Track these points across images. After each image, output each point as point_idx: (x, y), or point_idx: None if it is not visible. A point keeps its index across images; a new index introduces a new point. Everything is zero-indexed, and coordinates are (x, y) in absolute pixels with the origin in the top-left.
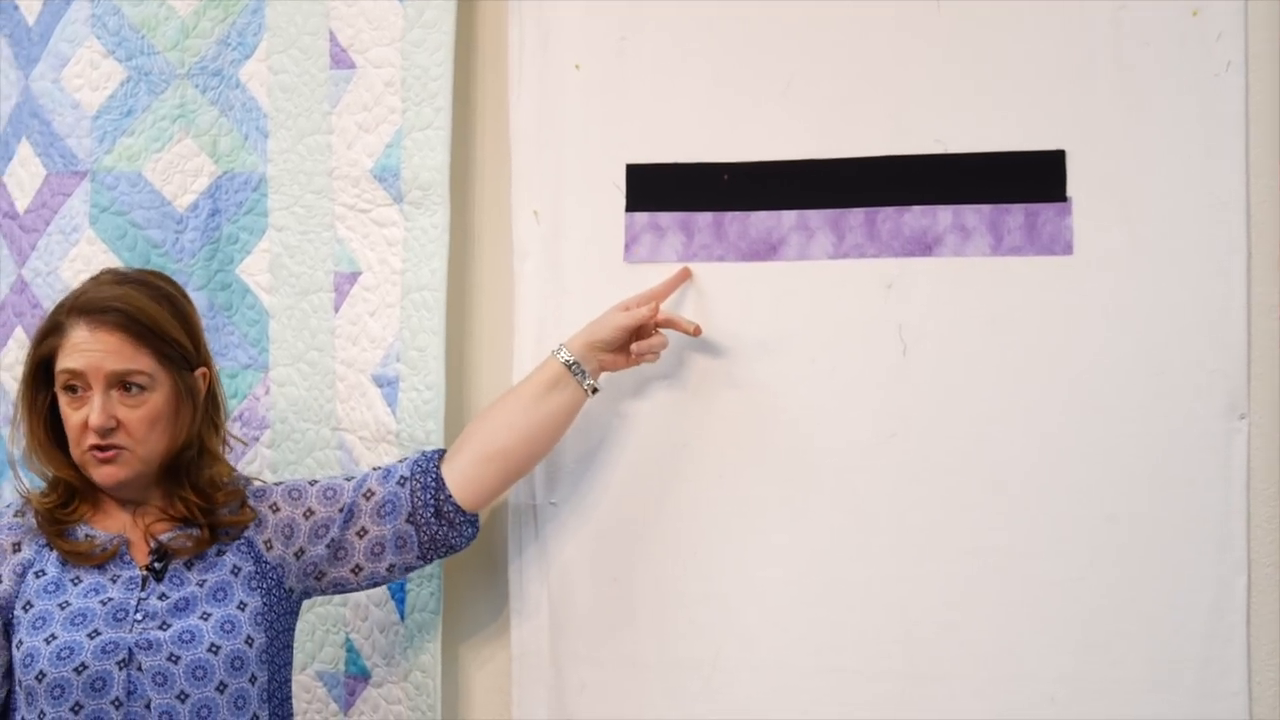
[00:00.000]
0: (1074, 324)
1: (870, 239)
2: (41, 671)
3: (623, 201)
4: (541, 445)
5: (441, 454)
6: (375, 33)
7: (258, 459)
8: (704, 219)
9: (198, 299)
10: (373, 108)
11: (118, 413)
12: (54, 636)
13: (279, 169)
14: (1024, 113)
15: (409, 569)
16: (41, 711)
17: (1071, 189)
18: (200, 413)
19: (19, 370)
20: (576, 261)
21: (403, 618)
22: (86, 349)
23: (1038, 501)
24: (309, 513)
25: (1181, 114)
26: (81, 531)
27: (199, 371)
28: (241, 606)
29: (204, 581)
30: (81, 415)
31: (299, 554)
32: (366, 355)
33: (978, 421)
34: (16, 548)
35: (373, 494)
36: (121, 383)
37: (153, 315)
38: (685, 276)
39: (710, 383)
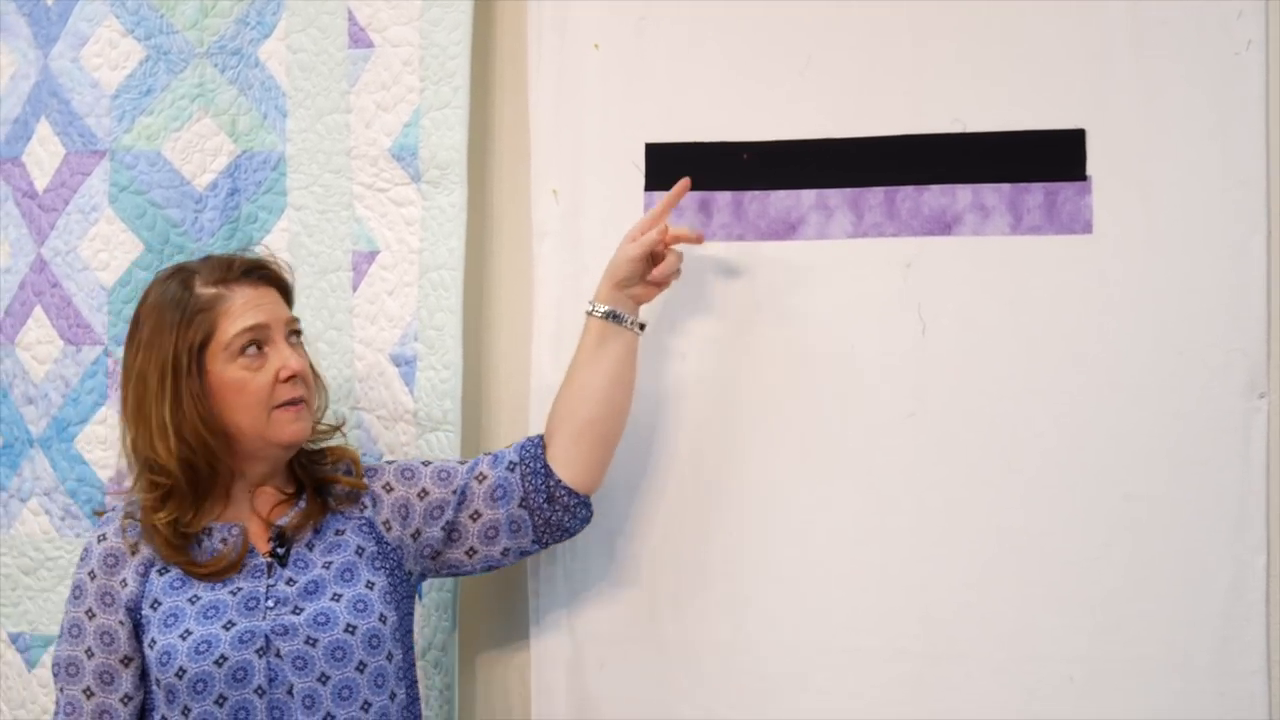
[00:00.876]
0: (1093, 303)
1: (889, 218)
2: (181, 668)
3: (642, 181)
4: (621, 400)
5: (542, 440)
6: (394, 11)
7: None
8: (723, 198)
9: None
10: (391, 87)
11: (300, 361)
12: (189, 631)
13: (297, 148)
14: (1043, 91)
15: (524, 553)
16: (186, 708)
17: (1091, 168)
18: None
19: (39, 349)
20: (595, 241)
21: (420, 596)
22: (260, 303)
23: (1056, 481)
24: (423, 493)
25: (1201, 92)
26: (202, 534)
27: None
28: (370, 585)
29: (329, 564)
30: (269, 372)
31: (415, 535)
32: (384, 334)
33: (996, 401)
34: (135, 549)
35: (485, 477)
36: (293, 329)
37: (285, 270)
38: (685, 188)
39: (728, 363)
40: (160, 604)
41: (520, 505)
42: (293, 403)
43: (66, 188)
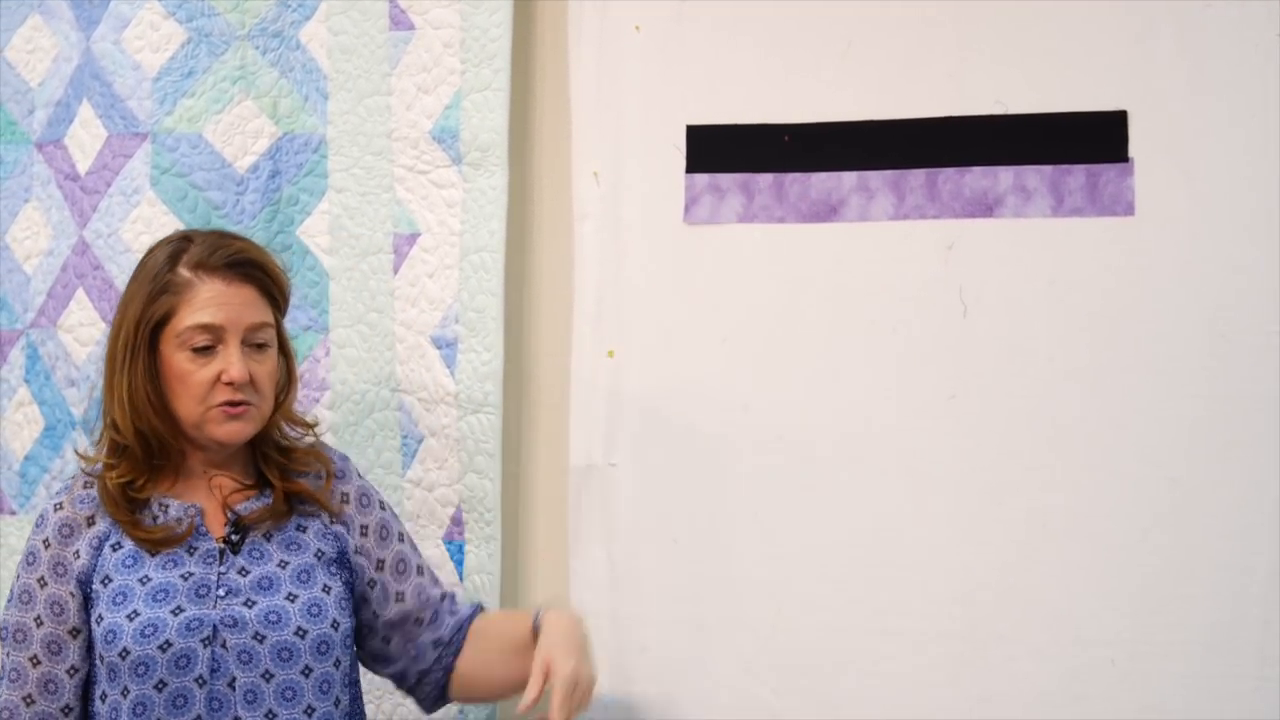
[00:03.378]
0: (1135, 285)
1: (931, 200)
2: (125, 649)
3: (683, 163)
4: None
5: (468, 628)
6: None
7: (319, 422)
8: (764, 180)
9: None
10: (432, 69)
11: (250, 367)
12: (137, 613)
13: (339, 130)
14: (1085, 73)
15: (386, 664)
16: (125, 688)
17: (1133, 149)
18: (289, 371)
19: (81, 332)
20: (636, 223)
21: (461, 579)
22: (224, 302)
23: (1098, 464)
24: (399, 595)
25: (1244, 73)
26: (156, 504)
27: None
28: (326, 590)
29: (286, 563)
30: (212, 370)
31: (369, 584)
32: (425, 317)
33: (1038, 383)
34: (90, 521)
35: (420, 622)
36: (253, 339)
37: (278, 272)
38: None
39: (770, 345)
40: (111, 580)
41: (414, 662)
42: (232, 404)
43: (108, 170)
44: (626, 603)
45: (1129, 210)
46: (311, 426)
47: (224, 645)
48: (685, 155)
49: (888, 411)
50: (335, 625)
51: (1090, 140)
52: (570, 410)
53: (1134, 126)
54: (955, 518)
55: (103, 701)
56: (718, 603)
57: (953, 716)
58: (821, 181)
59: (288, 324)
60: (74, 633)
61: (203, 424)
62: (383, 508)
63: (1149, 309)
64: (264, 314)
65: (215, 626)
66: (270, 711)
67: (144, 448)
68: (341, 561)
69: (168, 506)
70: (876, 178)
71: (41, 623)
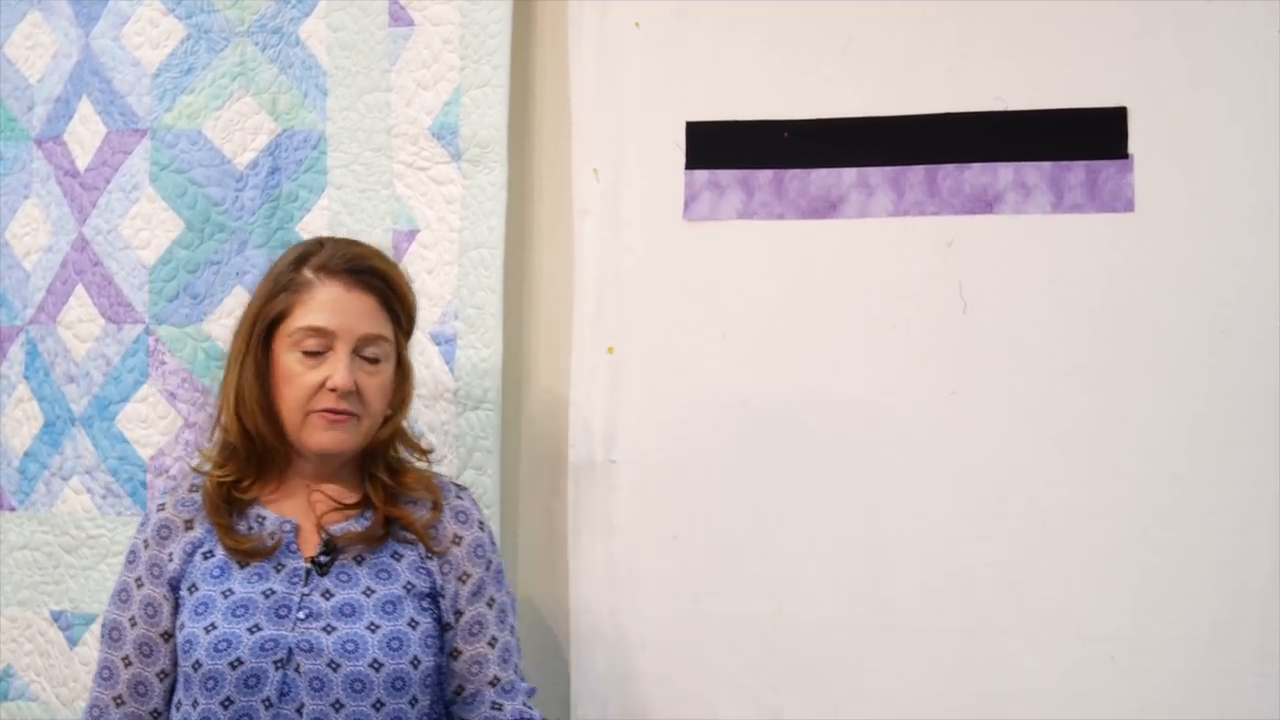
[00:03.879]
0: (1135, 282)
1: (930, 196)
2: (198, 661)
3: (683, 159)
4: None
5: None
6: None
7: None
8: (764, 176)
9: (257, 257)
10: (431, 65)
11: (357, 378)
12: (214, 626)
13: (338, 127)
14: (1085, 69)
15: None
16: (195, 700)
17: (1133, 146)
18: (405, 391)
19: (81, 328)
20: (636, 219)
21: None
22: (339, 308)
23: (1099, 460)
24: (459, 617)
25: (1244, 70)
26: (253, 513)
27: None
28: (413, 624)
29: (372, 591)
30: (318, 375)
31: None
32: (424, 313)
33: (1038, 380)
34: (189, 525)
35: (460, 692)
36: (365, 350)
37: (400, 283)
38: None
39: (770, 341)
40: (196, 589)
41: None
42: (333, 412)
43: (108, 166)
44: (626, 599)
45: (1129, 207)
46: (427, 453)
47: (297, 669)
48: (685, 152)
49: (888, 408)
50: (415, 663)
51: (1090, 136)
52: (570, 407)
53: (1134, 123)
54: (956, 514)
55: (177, 710)
56: (717, 599)
57: (953, 712)
58: (821, 178)
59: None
60: (166, 636)
61: (302, 429)
62: (488, 568)
63: (1149, 305)
64: (380, 326)
65: (291, 649)
66: None
67: (249, 448)
68: (433, 597)
69: (264, 518)
70: (876, 174)
71: (135, 623)
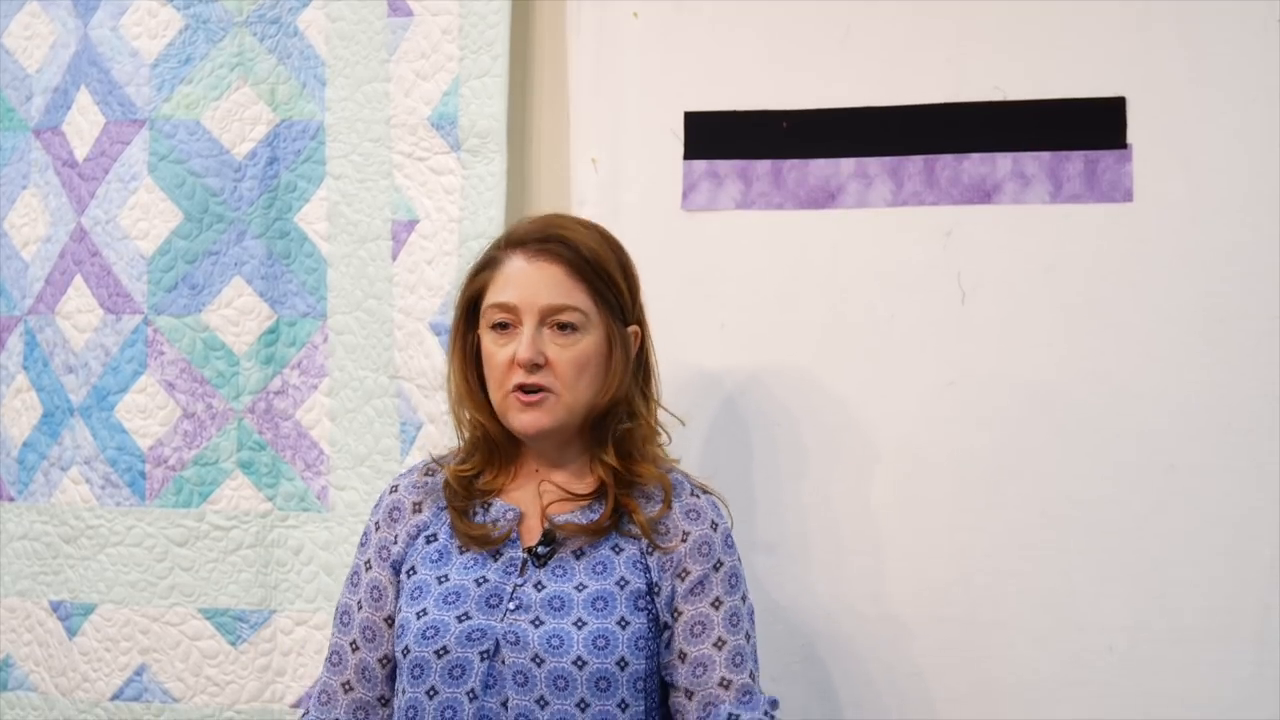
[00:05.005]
0: (1134, 272)
1: (929, 186)
2: (407, 647)
3: (681, 149)
4: None
5: None
6: None
7: (316, 406)
8: (762, 166)
9: (255, 247)
10: (430, 55)
11: (547, 350)
12: (425, 612)
13: (337, 117)
14: (1084, 59)
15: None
16: (403, 687)
17: (1132, 136)
18: (631, 372)
19: (79, 318)
20: (634, 209)
21: None
22: (522, 280)
23: (1097, 451)
24: (682, 654)
25: (1243, 60)
26: (484, 502)
27: (632, 328)
28: (623, 624)
29: (584, 586)
30: (508, 351)
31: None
32: (424, 303)
33: (1036, 369)
34: (417, 508)
35: (689, 695)
36: (555, 320)
37: (595, 250)
38: None
39: (768, 331)
40: (415, 573)
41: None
42: (524, 390)
43: (106, 157)
44: None
45: (1127, 196)
46: (644, 458)
47: (503, 661)
48: (683, 142)
49: (886, 397)
50: (622, 664)
51: (1089, 127)
52: None
53: (1132, 113)
54: (954, 503)
55: (401, 696)
56: None
57: (951, 703)
58: (819, 168)
59: (286, 310)
60: (390, 621)
61: (505, 413)
62: (717, 569)
63: (1147, 295)
64: (568, 296)
65: (498, 640)
66: None
67: (482, 438)
68: (650, 595)
69: (490, 505)
70: (874, 164)
71: (361, 607)
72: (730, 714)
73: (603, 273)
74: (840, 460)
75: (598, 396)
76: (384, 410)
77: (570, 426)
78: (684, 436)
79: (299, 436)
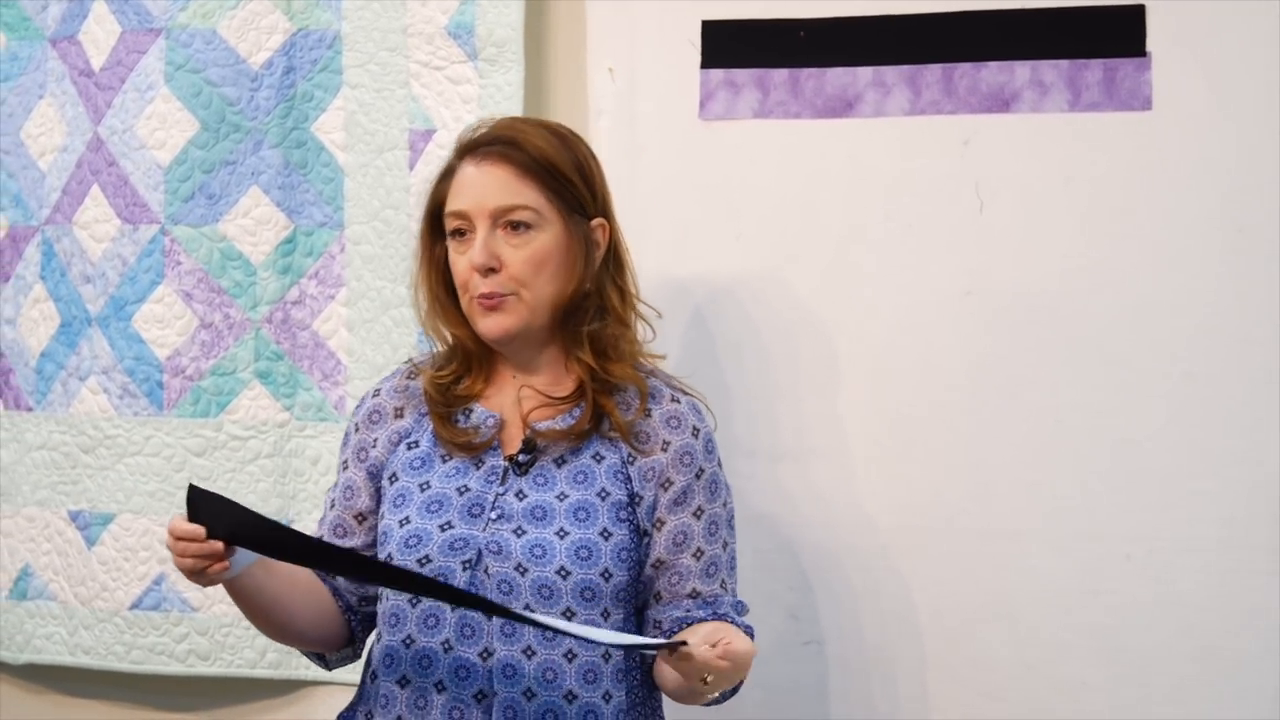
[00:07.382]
0: (1153, 181)
1: (947, 95)
2: (390, 555)
3: (698, 58)
4: None
5: None
6: None
7: (333, 316)
8: (780, 75)
9: (271, 157)
10: None
11: (501, 252)
12: (408, 520)
13: (353, 26)
14: None
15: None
16: (386, 594)
17: (1151, 43)
18: (597, 266)
19: (97, 228)
20: (651, 119)
21: None
22: (471, 186)
23: (1114, 358)
24: (659, 526)
25: None
26: (464, 408)
27: (596, 221)
28: (605, 535)
29: (566, 495)
30: (467, 259)
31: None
32: None
33: (1054, 278)
34: (399, 413)
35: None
36: (507, 220)
37: (542, 148)
38: None
39: (785, 241)
40: (396, 479)
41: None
42: (485, 296)
43: (123, 66)
44: None
45: (1146, 105)
46: (621, 356)
47: (486, 571)
48: (700, 51)
49: (903, 306)
50: (606, 575)
51: (1108, 34)
52: None
53: (1152, 20)
54: (970, 413)
55: (383, 601)
56: (735, 499)
57: (969, 612)
58: (837, 77)
59: (304, 220)
60: (359, 517)
61: (473, 320)
62: (699, 476)
63: (1166, 204)
64: (517, 194)
65: (480, 550)
66: (529, 648)
67: (457, 346)
68: (631, 506)
69: (471, 411)
70: (892, 73)
71: (334, 505)
72: (682, 618)
73: (552, 169)
74: (858, 368)
75: (561, 292)
76: (401, 320)
77: (537, 326)
78: (700, 346)
79: (316, 346)
